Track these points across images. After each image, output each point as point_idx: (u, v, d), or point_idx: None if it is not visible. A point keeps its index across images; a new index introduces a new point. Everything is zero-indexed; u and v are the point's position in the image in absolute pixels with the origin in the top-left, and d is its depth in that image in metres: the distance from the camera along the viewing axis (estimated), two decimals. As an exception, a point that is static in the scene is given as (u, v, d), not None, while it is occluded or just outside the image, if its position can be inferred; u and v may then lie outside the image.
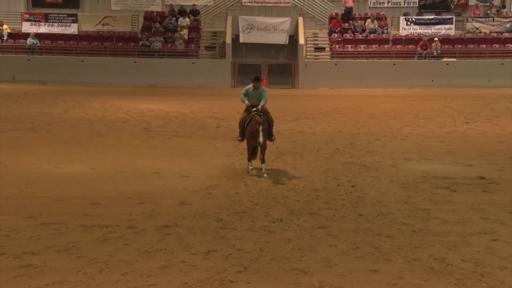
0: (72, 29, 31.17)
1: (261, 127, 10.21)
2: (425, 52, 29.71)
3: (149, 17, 31.91)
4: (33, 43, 30.11)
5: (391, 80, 28.69)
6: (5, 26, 30.90)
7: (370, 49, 30.47)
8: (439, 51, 29.85)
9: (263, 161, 10.65)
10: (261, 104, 10.53)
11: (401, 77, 28.79)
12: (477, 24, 31.53)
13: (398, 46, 30.46)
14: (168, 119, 17.62)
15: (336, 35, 30.79)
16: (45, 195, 9.07)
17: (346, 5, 31.90)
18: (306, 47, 30.25)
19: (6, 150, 12.53)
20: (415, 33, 30.99)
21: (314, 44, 31.40)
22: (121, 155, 12.28)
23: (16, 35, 30.93)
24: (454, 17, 31.67)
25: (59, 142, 13.80)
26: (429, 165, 11.54)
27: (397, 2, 33.32)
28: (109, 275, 6.02)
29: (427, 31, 30.90)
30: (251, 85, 10.82)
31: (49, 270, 6.13)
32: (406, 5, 33.26)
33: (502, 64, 29.31)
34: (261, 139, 10.17)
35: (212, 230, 7.46)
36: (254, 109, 10.59)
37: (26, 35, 30.47)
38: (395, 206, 8.65)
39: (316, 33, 32.01)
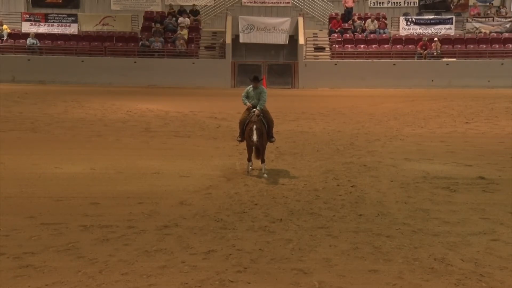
0: (72, 29, 31.19)
1: (254, 126, 10.22)
2: (425, 52, 29.72)
3: (149, 17, 31.94)
4: (33, 43, 30.12)
5: (391, 80, 28.72)
6: (5, 26, 30.92)
7: (370, 49, 30.48)
8: (439, 51, 29.87)
9: (263, 161, 10.65)
10: (258, 107, 10.52)
11: (401, 77, 28.83)
12: (477, 24, 31.56)
13: (398, 46, 30.47)
14: (168, 119, 17.62)
15: (336, 35, 30.81)
16: (45, 195, 9.07)
17: (346, 5, 31.92)
18: (306, 47, 30.26)
19: (6, 150, 12.53)
20: (415, 33, 31.01)
21: (314, 44, 31.42)
22: (121, 155, 12.28)
23: (16, 35, 30.96)
24: (454, 17, 31.71)
25: (59, 142, 13.80)
26: (429, 165, 11.54)
27: (397, 2, 33.35)
28: (109, 275, 6.02)
29: (427, 31, 30.92)
30: (251, 85, 10.83)
31: (49, 270, 6.13)
32: (406, 5, 33.30)
33: (502, 64, 29.33)
34: (254, 138, 10.16)
35: (212, 230, 7.45)
36: (254, 109, 10.59)
37: (26, 35, 30.49)
38: (395, 206, 8.65)
39: (316, 33, 32.03)
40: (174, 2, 32.81)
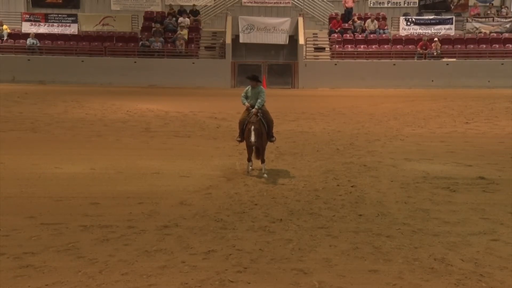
0: (72, 29, 31.21)
1: (252, 127, 10.21)
2: (425, 52, 29.73)
3: (149, 17, 31.96)
4: (33, 43, 30.13)
5: (391, 80, 28.74)
6: (5, 26, 30.93)
7: (370, 49, 30.49)
8: (439, 51, 29.88)
9: (263, 161, 10.65)
10: (256, 106, 10.50)
11: (401, 77, 28.85)
12: (477, 24, 31.58)
13: (398, 46, 30.49)
14: (168, 119, 17.62)
15: (336, 35, 30.82)
16: (45, 195, 9.06)
17: (346, 5, 31.94)
18: (306, 47, 30.28)
19: (6, 150, 12.53)
20: (415, 33, 31.03)
21: (314, 44, 31.43)
22: (121, 155, 12.27)
23: (16, 35, 30.98)
24: (454, 17, 31.73)
25: (59, 142, 13.80)
26: (429, 165, 11.54)
27: (397, 2, 33.36)
28: (109, 275, 6.02)
29: (427, 31, 30.94)
30: (250, 85, 10.83)
31: (49, 270, 6.12)
32: (406, 5, 33.31)
33: (502, 64, 29.35)
34: (252, 139, 10.16)
35: (212, 230, 7.45)
36: (253, 110, 10.58)
37: (26, 35, 30.51)
38: (395, 206, 8.65)
39: (316, 33, 32.05)
40: (174, 2, 32.82)
